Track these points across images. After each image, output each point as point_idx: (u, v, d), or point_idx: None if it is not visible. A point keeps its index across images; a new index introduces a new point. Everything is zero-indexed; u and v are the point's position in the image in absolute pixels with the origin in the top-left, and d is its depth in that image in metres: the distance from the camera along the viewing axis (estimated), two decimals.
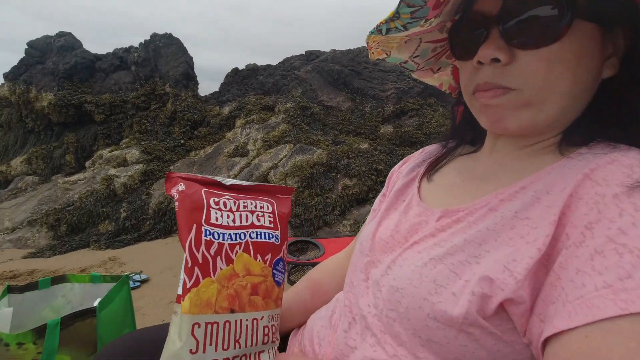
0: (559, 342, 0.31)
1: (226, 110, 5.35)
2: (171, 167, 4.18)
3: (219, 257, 0.49)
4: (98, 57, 5.86)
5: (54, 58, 5.70)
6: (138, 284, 2.41)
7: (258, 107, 5.10)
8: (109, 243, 3.18)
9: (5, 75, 5.65)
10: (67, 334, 0.94)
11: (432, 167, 0.55)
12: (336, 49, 6.26)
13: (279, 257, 0.54)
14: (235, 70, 6.46)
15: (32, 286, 1.13)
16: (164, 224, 3.51)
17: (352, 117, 4.95)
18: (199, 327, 0.46)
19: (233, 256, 0.50)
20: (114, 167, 3.97)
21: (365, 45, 0.51)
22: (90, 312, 0.96)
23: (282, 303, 0.54)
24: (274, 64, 6.40)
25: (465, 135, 0.54)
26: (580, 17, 0.36)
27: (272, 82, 5.85)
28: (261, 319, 0.50)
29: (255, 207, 0.54)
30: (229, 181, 0.56)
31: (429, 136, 4.42)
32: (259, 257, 0.51)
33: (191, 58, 6.21)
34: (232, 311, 0.48)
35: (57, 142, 5.15)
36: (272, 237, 0.54)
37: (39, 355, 0.90)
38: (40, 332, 0.92)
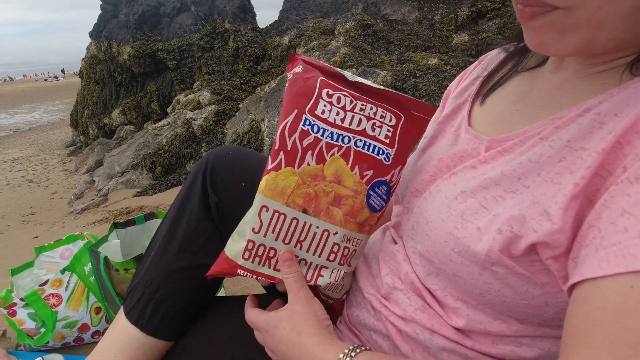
0: (583, 290, 0.26)
1: (286, 40, 5.19)
2: (240, 105, 4.34)
3: (310, 152, 0.45)
4: (161, 2, 5.99)
5: (125, 10, 5.99)
6: None
7: (317, 32, 4.83)
8: None
9: (90, 34, 6.18)
10: None
11: (487, 87, 0.48)
12: None
13: (383, 179, 0.46)
14: None
15: (131, 222, 1.35)
16: None
17: (419, 30, 4.42)
18: (267, 211, 0.44)
19: (327, 157, 0.45)
20: (191, 111, 4.28)
21: None
22: None
23: (371, 232, 0.48)
24: None
25: None
26: None
27: (330, 0, 5.40)
28: (334, 234, 0.45)
29: (375, 114, 0.47)
30: (355, 78, 0.48)
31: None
32: (356, 169, 0.45)
33: None
34: (305, 211, 0.44)
35: (142, 92, 5.67)
36: (382, 154, 0.46)
37: None
38: (139, 259, 1.12)
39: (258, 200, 0.45)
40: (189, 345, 0.54)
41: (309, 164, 0.45)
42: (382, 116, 0.47)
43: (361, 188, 0.45)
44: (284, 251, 0.44)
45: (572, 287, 0.28)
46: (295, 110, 0.45)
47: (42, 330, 1.07)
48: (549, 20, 0.31)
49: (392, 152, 0.46)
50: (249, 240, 0.45)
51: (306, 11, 5.65)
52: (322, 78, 0.47)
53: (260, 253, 0.45)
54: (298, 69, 0.48)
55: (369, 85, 0.48)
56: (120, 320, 0.54)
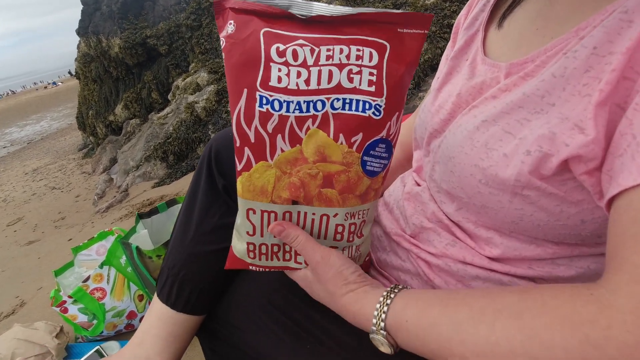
0: (626, 199, 0.25)
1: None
2: None
3: (279, 136, 0.36)
4: None
5: (106, 0, 5.81)
6: None
7: None
8: None
9: (77, 32, 6.07)
10: None
11: (501, 10, 0.44)
12: None
13: (377, 137, 0.37)
14: None
15: (154, 211, 1.38)
16: None
17: None
18: (254, 213, 0.40)
19: (302, 134, 0.36)
20: (191, 94, 4.23)
21: None
22: None
23: (378, 194, 0.41)
24: None
25: None
26: None
27: None
28: (334, 216, 0.39)
29: (348, 57, 0.35)
30: (311, 8, 0.35)
31: None
32: (341, 137, 0.36)
33: None
34: (295, 203, 0.39)
35: (140, 84, 5.62)
36: (370, 108, 0.36)
37: None
38: (168, 244, 1.16)
39: (241, 204, 0.40)
40: (218, 315, 0.56)
41: (282, 150, 0.37)
42: (358, 57, 0.35)
43: (352, 158, 0.37)
44: (272, 226, 0.40)
45: (611, 200, 0.27)
46: (245, 90, 0.36)
47: (95, 322, 1.14)
48: None
49: (381, 101, 0.36)
50: (248, 243, 0.42)
51: None
52: (266, 29, 0.35)
53: (264, 251, 0.43)
54: (230, 27, 0.36)
55: (331, 16, 0.35)
56: (155, 301, 0.58)
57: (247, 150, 0.38)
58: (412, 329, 0.33)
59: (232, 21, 0.36)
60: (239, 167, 0.39)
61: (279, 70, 0.35)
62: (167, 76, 5.41)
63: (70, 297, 1.12)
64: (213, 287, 0.56)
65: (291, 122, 0.36)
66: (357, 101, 0.36)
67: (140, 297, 1.20)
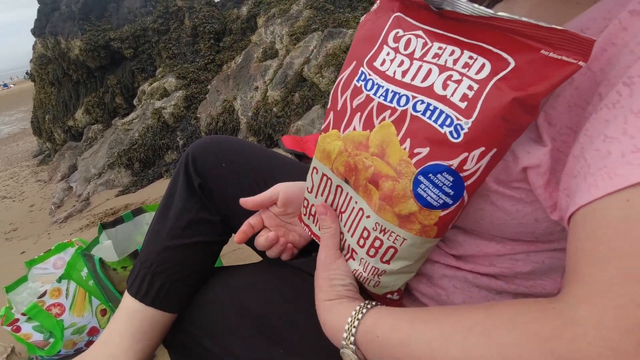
0: (581, 216, 0.27)
1: (244, 11, 4.95)
2: (208, 87, 4.18)
3: (358, 114, 0.36)
4: None
5: (65, 0, 5.54)
6: None
7: None
8: None
9: (33, 32, 5.73)
10: None
11: None
12: None
13: (443, 163, 0.31)
14: None
15: (119, 220, 1.32)
16: None
17: None
18: (316, 172, 0.43)
19: (376, 122, 0.35)
20: (158, 100, 4.11)
21: None
22: None
23: (427, 234, 0.34)
24: None
25: None
26: None
27: None
28: (367, 217, 0.37)
29: (456, 61, 0.31)
30: (454, 5, 0.30)
31: None
32: (407, 142, 0.32)
33: None
34: (346, 181, 0.39)
35: (103, 88, 5.38)
36: (450, 125, 0.30)
37: None
38: (135, 255, 1.11)
39: (313, 161, 0.44)
40: (189, 321, 0.55)
41: (355, 129, 0.37)
42: (466, 64, 0.30)
43: (407, 170, 0.32)
44: (319, 205, 0.44)
45: (570, 217, 0.29)
46: (354, 62, 0.38)
47: (52, 340, 1.06)
48: None
49: (465, 123, 0.29)
50: (305, 199, 0.48)
51: None
52: (398, 14, 0.35)
53: (312, 212, 0.47)
54: (375, 5, 0.38)
55: (470, 15, 0.30)
56: (125, 296, 0.57)
57: (331, 115, 0.40)
58: (383, 345, 0.34)
59: (378, 2, 0.38)
60: (323, 126, 0.42)
61: (387, 54, 0.35)
62: (132, 80, 5.21)
63: (23, 314, 1.04)
64: (185, 284, 0.56)
65: (372, 106, 0.35)
66: (441, 112, 0.31)
67: (103, 312, 1.14)
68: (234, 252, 1.57)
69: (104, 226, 1.26)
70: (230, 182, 0.59)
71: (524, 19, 0.28)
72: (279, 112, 3.37)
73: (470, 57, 0.30)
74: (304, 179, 0.48)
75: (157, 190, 3.23)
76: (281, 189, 0.52)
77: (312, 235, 0.50)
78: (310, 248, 0.63)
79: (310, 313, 0.43)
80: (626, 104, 0.25)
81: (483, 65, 0.29)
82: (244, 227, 0.54)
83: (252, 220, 0.55)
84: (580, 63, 0.26)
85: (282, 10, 4.44)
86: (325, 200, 0.44)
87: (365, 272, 0.40)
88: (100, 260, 1.12)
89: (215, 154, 0.60)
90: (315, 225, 0.48)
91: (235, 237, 0.55)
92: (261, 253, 0.68)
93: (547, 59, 0.27)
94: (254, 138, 3.42)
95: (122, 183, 3.71)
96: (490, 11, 0.29)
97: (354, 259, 0.41)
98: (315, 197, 0.45)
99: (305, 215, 0.50)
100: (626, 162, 0.24)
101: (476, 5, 0.29)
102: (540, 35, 0.27)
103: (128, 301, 0.56)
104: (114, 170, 3.83)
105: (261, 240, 0.53)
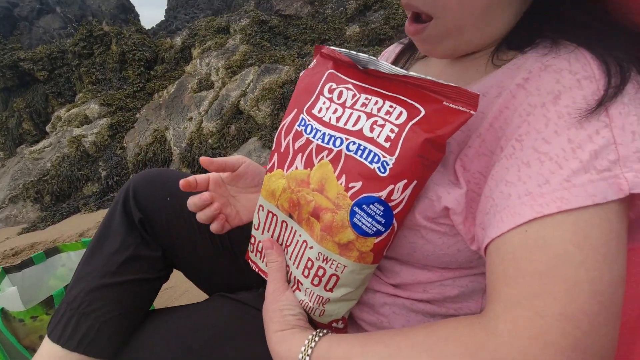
0: (494, 246, 0.34)
1: (178, 41, 4.88)
2: (137, 115, 3.97)
3: (299, 155, 0.41)
4: (13, 3, 5.08)
5: None
6: None
7: (211, 31, 4.65)
8: (98, 204, 3.19)
9: None
10: None
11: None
12: None
13: (374, 195, 0.36)
14: None
15: (27, 263, 1.16)
16: None
17: (313, 24, 4.57)
18: (262, 210, 0.45)
19: (315, 161, 0.40)
20: (77, 127, 3.77)
21: None
22: None
23: (365, 260, 0.38)
24: None
25: None
26: None
27: None
28: (310, 248, 0.40)
29: (380, 109, 0.37)
30: (377, 64, 0.38)
31: (398, 29, 4.15)
32: (343, 178, 0.37)
33: None
34: (291, 216, 0.43)
35: (7, 112, 4.77)
36: (377, 162, 0.36)
37: None
38: (49, 302, 0.98)
39: (259, 199, 0.46)
40: None
41: (297, 168, 0.41)
42: (388, 112, 0.36)
43: (344, 202, 0.37)
44: (265, 240, 0.46)
45: (486, 247, 0.35)
46: (295, 110, 0.43)
47: None
48: (427, 35, 0.39)
49: (390, 160, 0.35)
50: (252, 236, 0.49)
51: (195, 9, 5.37)
52: (331, 71, 0.42)
53: (259, 249, 0.48)
54: (312, 64, 0.45)
55: (388, 73, 0.37)
56: (44, 343, 0.50)
57: (275, 156, 0.44)
58: None
59: (315, 60, 0.45)
60: (267, 167, 0.45)
61: (324, 103, 0.41)
62: (45, 105, 4.71)
63: None
64: (118, 325, 0.51)
65: (312, 148, 0.40)
66: (370, 151, 0.36)
67: None
68: (165, 292, 1.46)
69: (6, 271, 1.10)
70: (173, 216, 0.58)
71: (429, 77, 0.35)
72: (214, 144, 3.31)
73: (391, 106, 0.37)
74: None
75: (72, 227, 2.88)
76: (247, 160, 0.55)
77: (259, 273, 0.51)
78: (256, 284, 0.63)
79: (260, 349, 0.44)
80: (519, 156, 0.33)
81: (401, 113, 0.36)
82: (190, 178, 0.52)
83: (199, 177, 0.53)
84: (472, 112, 0.34)
85: (218, 44, 4.48)
86: (272, 236, 0.46)
87: (310, 301, 0.42)
88: (2, 310, 0.96)
89: (157, 186, 0.59)
90: (262, 261, 0.49)
91: (181, 182, 0.52)
92: (203, 287, 0.66)
93: (448, 109, 0.35)
94: (188, 169, 3.29)
95: (28, 219, 3.25)
96: (404, 71, 0.37)
97: (299, 290, 0.43)
98: (262, 234, 0.47)
99: (252, 252, 0.51)
100: (521, 203, 0.31)
101: (394, 67, 0.37)
102: (442, 90, 0.35)
103: (47, 347, 0.49)
104: (18, 205, 3.35)
105: (195, 199, 0.51)
